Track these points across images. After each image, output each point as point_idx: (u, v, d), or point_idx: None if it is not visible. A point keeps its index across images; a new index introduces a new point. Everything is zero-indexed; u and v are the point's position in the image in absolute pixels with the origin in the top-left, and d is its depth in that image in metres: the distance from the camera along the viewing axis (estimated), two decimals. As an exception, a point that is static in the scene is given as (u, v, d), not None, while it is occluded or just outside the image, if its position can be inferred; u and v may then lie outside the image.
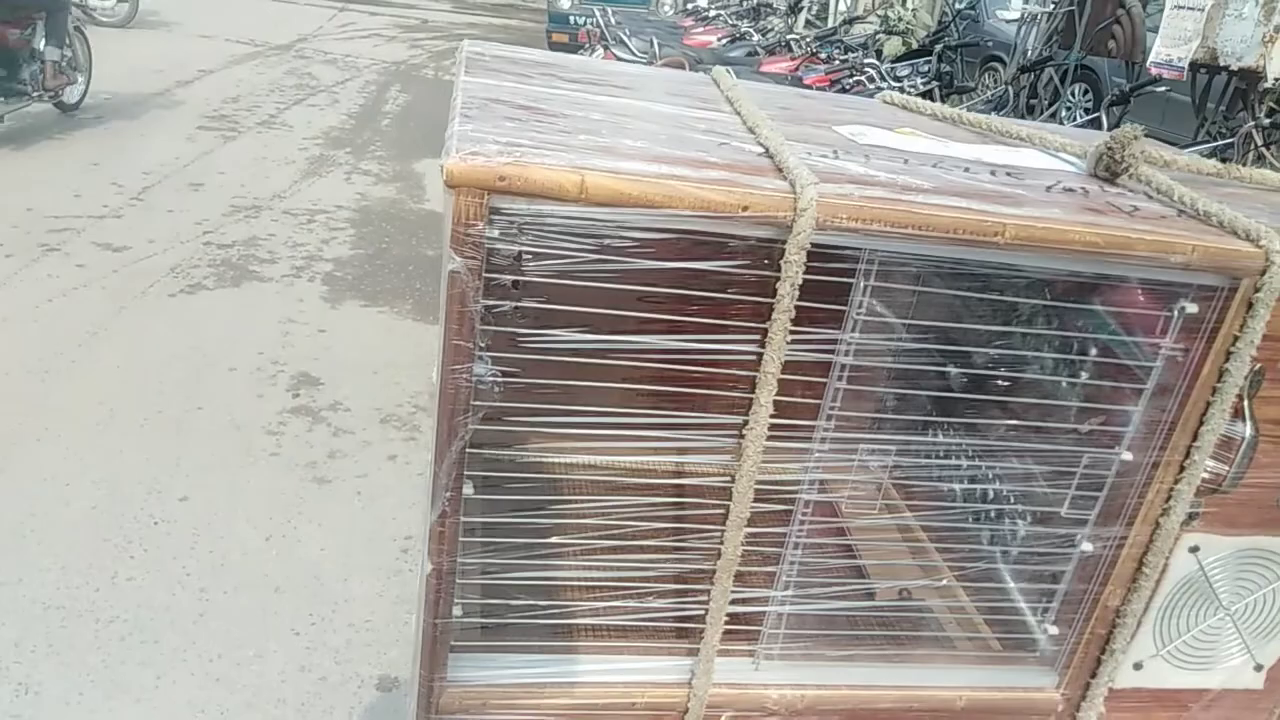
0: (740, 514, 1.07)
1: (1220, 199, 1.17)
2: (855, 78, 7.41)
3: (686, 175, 0.95)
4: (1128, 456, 1.19)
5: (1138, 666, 1.27)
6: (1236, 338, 1.08)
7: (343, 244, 5.56)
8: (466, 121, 1.01)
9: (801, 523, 1.15)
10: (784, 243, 0.97)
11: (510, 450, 1.10)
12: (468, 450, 1.04)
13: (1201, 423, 1.12)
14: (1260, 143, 5.02)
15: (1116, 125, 5.87)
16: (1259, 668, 1.31)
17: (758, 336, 1.03)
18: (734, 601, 1.13)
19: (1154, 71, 5.43)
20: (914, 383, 1.27)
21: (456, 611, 1.12)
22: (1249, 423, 1.12)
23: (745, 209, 0.94)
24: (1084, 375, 1.28)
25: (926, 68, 7.61)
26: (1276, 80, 4.88)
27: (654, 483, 1.14)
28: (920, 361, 1.19)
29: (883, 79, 7.38)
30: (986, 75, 10.29)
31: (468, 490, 1.05)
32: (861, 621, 1.25)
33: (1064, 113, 7.53)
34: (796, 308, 1.02)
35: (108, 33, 10.05)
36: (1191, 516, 1.17)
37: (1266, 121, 4.89)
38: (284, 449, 3.52)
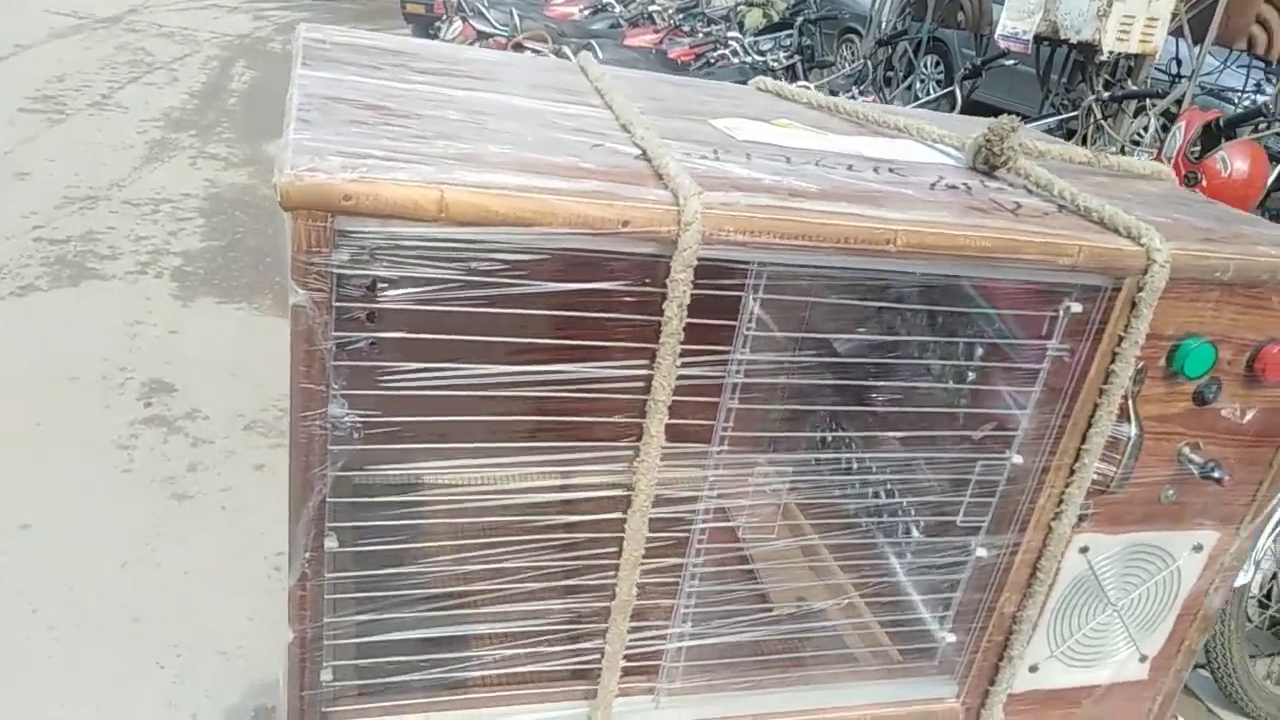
0: (634, 552, 0.99)
1: (1093, 190, 1.17)
2: (719, 51, 7.42)
3: (560, 187, 0.86)
4: (1018, 460, 1.17)
5: (1033, 669, 1.27)
6: (1121, 338, 1.07)
7: (192, 235, 5.18)
8: (304, 128, 0.88)
9: (698, 552, 1.08)
10: (669, 259, 0.89)
11: (382, 497, 0.99)
12: (330, 500, 0.92)
13: (1090, 424, 1.11)
14: (1099, 115, 5.27)
15: (969, 98, 6.07)
16: (1144, 658, 1.33)
17: (645, 360, 0.95)
18: (631, 641, 1.06)
19: (1002, 44, 5.62)
20: (809, 399, 1.22)
21: (326, 676, 1.01)
22: (1134, 422, 1.12)
23: (626, 224, 0.85)
24: (974, 380, 1.26)
25: (789, 41, 7.68)
26: (1111, 53, 5.12)
27: (543, 522, 1.05)
28: (814, 375, 1.14)
29: (746, 53, 7.41)
30: (844, 48, 10.48)
31: (332, 544, 0.94)
32: (764, 646, 1.20)
33: (918, 85, 7.75)
34: (683, 326, 0.95)
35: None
36: (1081, 518, 1.17)
37: (1105, 94, 5.13)
38: (137, 464, 3.24)
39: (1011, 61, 5.93)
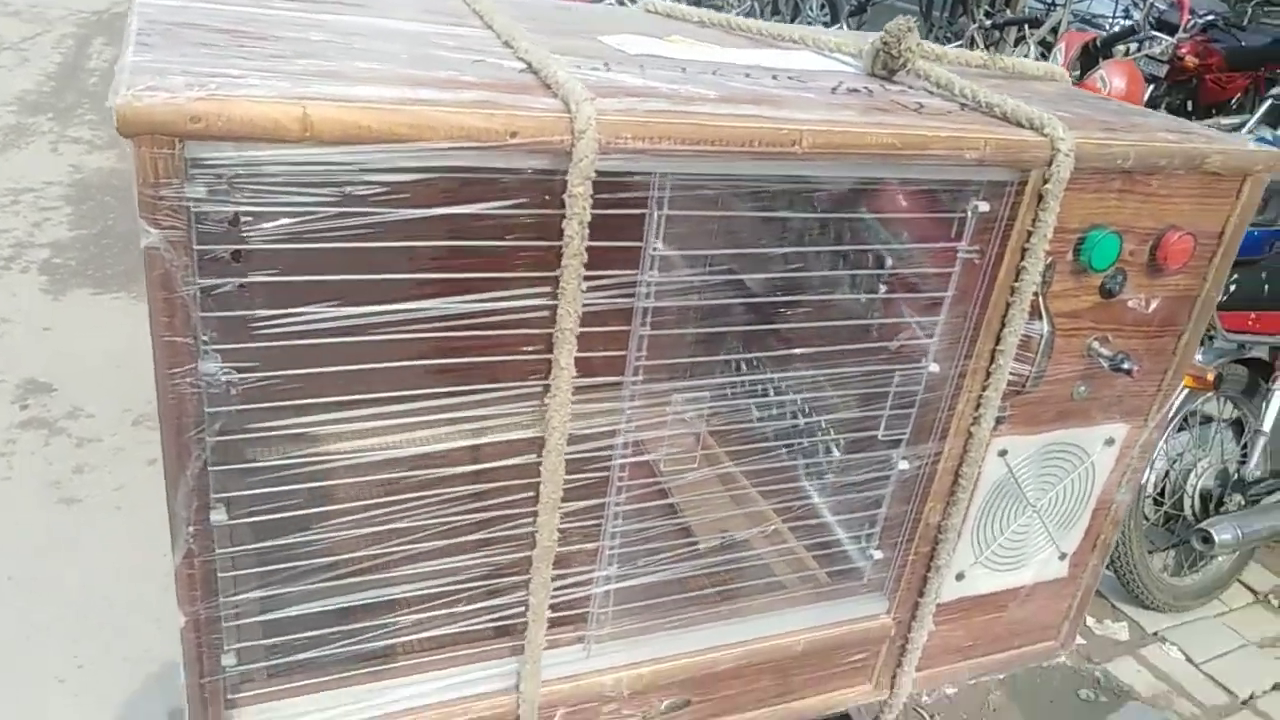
0: (552, 495, 0.93)
1: (993, 89, 1.15)
2: (606, 3, 7.29)
3: (439, 99, 0.78)
4: (934, 369, 1.16)
5: (960, 577, 1.28)
6: (1030, 232, 1.06)
7: (59, 225, 4.83)
8: (144, 51, 0.78)
9: (620, 490, 1.03)
10: (564, 173, 0.83)
11: (273, 459, 0.91)
12: (214, 469, 0.84)
13: (1003, 324, 1.10)
14: (982, 44, 5.38)
15: (857, 35, 6.11)
16: (1063, 556, 1.35)
17: (546, 289, 0.88)
18: (556, 589, 1.01)
19: (884, -19, 5.66)
20: (722, 320, 1.18)
21: (230, 660, 0.93)
22: (1046, 319, 1.11)
23: (514, 135, 0.78)
24: (880, 289, 1.24)
25: (673, -14, 7.59)
26: (990, -16, 5.23)
27: (452, 473, 0.98)
28: (725, 295, 1.10)
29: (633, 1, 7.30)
30: (729, -9, 10.43)
31: (219, 516, 0.85)
32: (692, 583, 1.17)
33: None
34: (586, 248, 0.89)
35: None
36: (999, 420, 1.16)
37: (987, 23, 5.24)
38: (17, 471, 3.02)
39: (894, -3, 6.02)
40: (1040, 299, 1.12)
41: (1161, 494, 3.00)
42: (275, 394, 0.85)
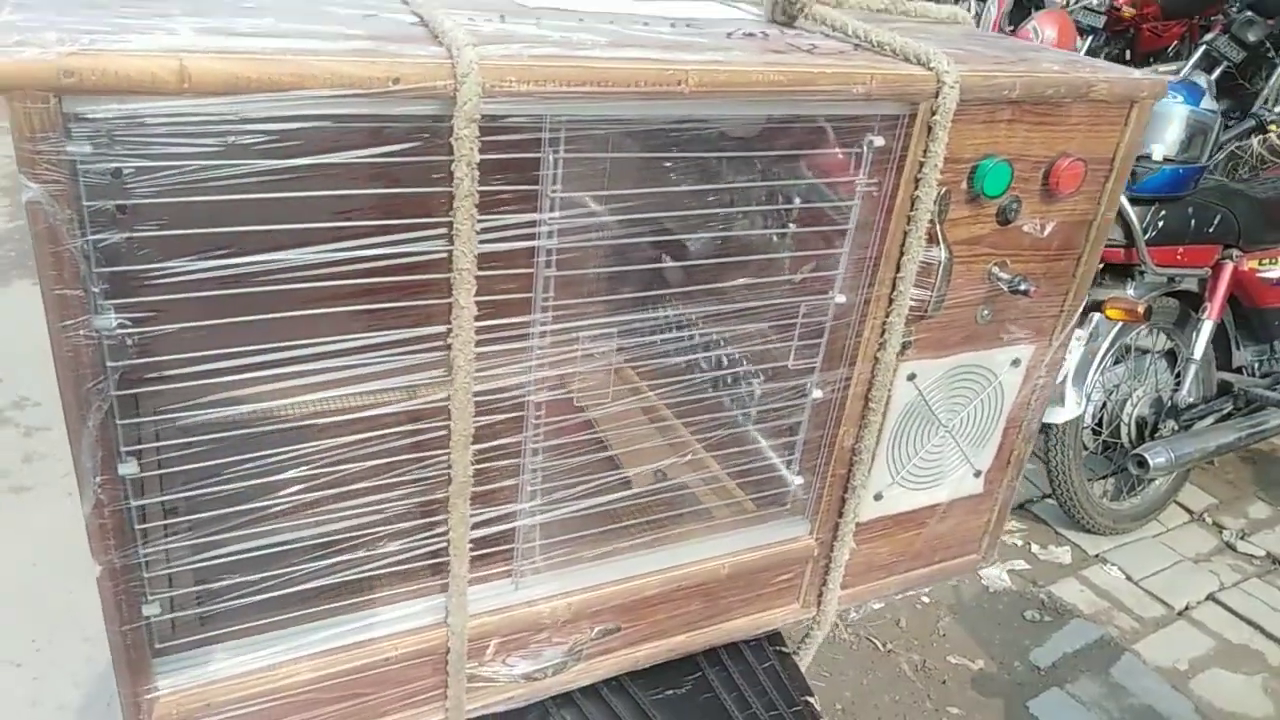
0: (464, 432, 0.96)
1: (891, 31, 1.18)
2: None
3: (320, 48, 0.80)
4: (841, 299, 1.20)
5: (878, 498, 1.33)
6: (922, 164, 1.10)
7: (-4, 216, 4.76)
8: (18, 10, 0.79)
9: (535, 426, 1.07)
10: (452, 119, 0.85)
11: (187, 411, 0.93)
12: (121, 421, 0.86)
13: (902, 253, 1.14)
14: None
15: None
16: (978, 474, 1.41)
17: (444, 232, 0.91)
18: (478, 524, 1.04)
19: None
20: (626, 257, 1.21)
21: (154, 610, 0.96)
22: (943, 246, 1.16)
23: (396, 82, 0.80)
24: (790, 226, 1.28)
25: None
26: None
27: (367, 416, 1.01)
28: (629, 234, 1.13)
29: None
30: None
31: (129, 469, 0.87)
32: (617, 514, 1.21)
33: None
34: (487, 195, 0.91)
35: None
36: (906, 346, 1.21)
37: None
38: (-37, 464, 3.01)
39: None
40: (938, 227, 1.16)
41: (1100, 424, 3.10)
42: (182, 346, 0.87)
